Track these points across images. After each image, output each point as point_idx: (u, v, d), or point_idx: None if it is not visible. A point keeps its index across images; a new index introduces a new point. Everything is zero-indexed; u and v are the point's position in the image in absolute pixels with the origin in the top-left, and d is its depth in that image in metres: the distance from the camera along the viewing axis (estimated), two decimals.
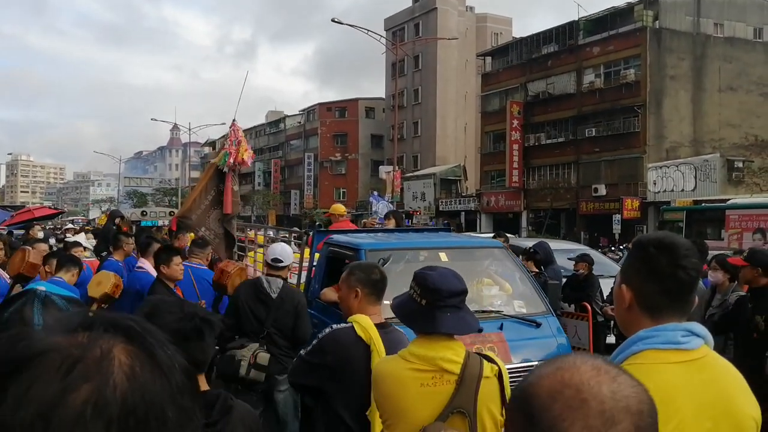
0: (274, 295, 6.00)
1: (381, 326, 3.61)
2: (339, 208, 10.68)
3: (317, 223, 9.79)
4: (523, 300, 6.69)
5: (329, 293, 6.26)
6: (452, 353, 2.93)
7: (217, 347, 6.36)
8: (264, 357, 5.66)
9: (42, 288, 1.52)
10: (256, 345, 5.75)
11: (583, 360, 1.08)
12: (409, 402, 2.84)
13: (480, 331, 5.40)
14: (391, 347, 3.50)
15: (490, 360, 3.04)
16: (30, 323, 1.55)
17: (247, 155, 9.02)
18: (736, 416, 1.93)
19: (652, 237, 2.15)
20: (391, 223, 10.15)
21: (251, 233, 10.43)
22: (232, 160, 8.84)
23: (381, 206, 21.91)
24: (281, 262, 6.30)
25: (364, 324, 3.51)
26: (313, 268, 7.66)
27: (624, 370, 1.10)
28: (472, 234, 13.47)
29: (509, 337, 5.88)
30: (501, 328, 5.94)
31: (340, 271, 6.64)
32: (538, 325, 6.20)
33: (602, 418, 0.99)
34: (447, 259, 6.42)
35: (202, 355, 2.42)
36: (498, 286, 6.74)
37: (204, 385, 2.47)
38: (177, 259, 6.54)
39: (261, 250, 8.72)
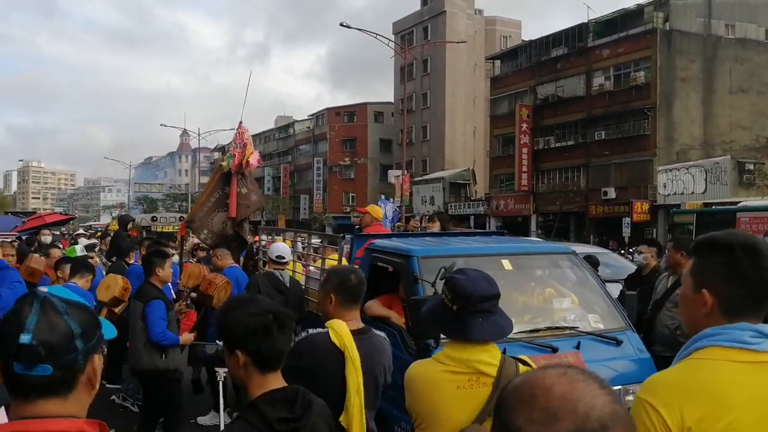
0: (288, 286, 7.25)
1: (359, 332, 3.61)
2: (376, 209, 9.23)
3: (357, 227, 9.09)
4: (599, 314, 5.89)
5: (375, 307, 5.71)
6: (488, 356, 2.90)
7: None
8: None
9: (43, 289, 1.51)
10: None
11: (559, 367, 1.16)
12: (445, 404, 2.80)
13: (555, 351, 5.08)
14: (370, 353, 3.55)
15: (526, 363, 3.00)
16: (22, 324, 1.58)
17: (253, 158, 8.80)
18: None
19: (734, 239, 2.05)
20: (436, 226, 9.09)
21: (279, 239, 9.60)
22: (236, 162, 8.72)
23: (388, 209, 21.96)
24: (284, 258, 7.60)
25: (339, 330, 3.51)
26: None
27: (595, 378, 1.14)
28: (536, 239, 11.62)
29: (588, 358, 5.06)
30: (578, 347, 5.19)
31: (385, 281, 6.13)
32: (619, 343, 5.46)
33: (546, 414, 1.06)
34: (511, 267, 5.76)
35: (273, 351, 2.44)
36: (567, 297, 6.00)
37: (280, 382, 2.49)
38: (170, 262, 6.79)
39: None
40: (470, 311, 2.87)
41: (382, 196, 37.26)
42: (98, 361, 1.70)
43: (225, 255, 8.51)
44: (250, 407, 2.39)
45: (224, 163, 9.02)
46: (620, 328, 5.70)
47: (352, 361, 3.44)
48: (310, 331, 3.63)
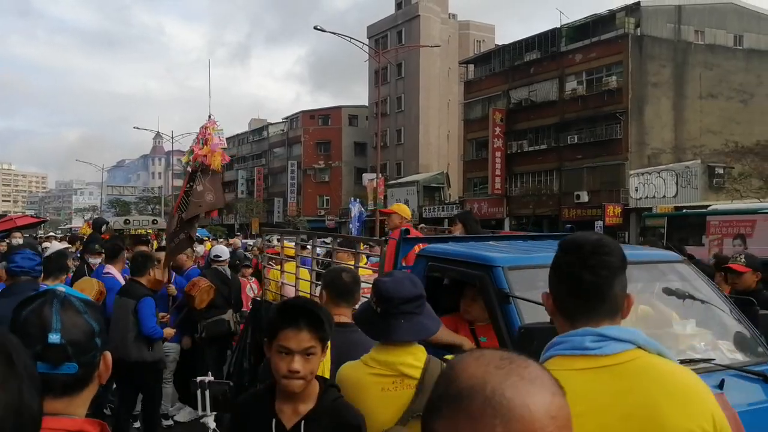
0: (230, 278, 8.82)
1: (342, 325, 3.66)
2: (404, 208, 7.80)
3: (404, 229, 7.47)
4: (731, 340, 4.52)
5: (442, 332, 4.38)
6: (413, 358, 2.95)
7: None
8: (235, 316, 8.57)
9: (61, 289, 1.54)
10: (230, 310, 8.45)
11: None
12: (370, 406, 2.84)
13: None
14: (344, 347, 3.56)
15: None
16: (48, 324, 1.60)
17: (212, 154, 8.27)
18: (662, 427, 1.75)
19: (566, 238, 2.09)
20: (458, 229, 7.41)
21: (290, 244, 8.60)
22: (195, 158, 8.32)
23: (355, 209, 22.08)
24: (220, 257, 8.97)
25: None
26: None
27: (481, 355, 1.12)
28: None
29: (735, 401, 3.49)
30: (721, 386, 3.71)
31: (448, 297, 5.15)
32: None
33: (433, 387, 1.13)
34: None
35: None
36: (690, 319, 4.63)
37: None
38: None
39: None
40: (393, 313, 2.93)
41: (352, 199, 37.16)
42: (108, 357, 1.74)
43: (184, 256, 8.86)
44: (334, 388, 2.81)
45: (184, 159, 8.88)
46: (763, 360, 4.34)
47: None
48: None
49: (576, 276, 1.94)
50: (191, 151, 8.41)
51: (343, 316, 3.80)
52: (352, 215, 21.02)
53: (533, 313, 3.69)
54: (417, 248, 5.66)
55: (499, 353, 1.12)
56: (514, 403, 1.02)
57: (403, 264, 5.66)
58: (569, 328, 1.94)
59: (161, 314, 7.49)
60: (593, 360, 1.83)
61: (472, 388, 1.05)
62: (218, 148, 8.25)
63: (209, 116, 8.72)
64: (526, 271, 4.33)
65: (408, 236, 6.10)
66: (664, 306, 4.75)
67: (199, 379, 2.45)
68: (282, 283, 7.44)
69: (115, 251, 8.31)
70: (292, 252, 8.08)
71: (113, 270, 7.96)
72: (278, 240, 10.30)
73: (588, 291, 1.93)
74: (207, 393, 2.37)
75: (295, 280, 6.99)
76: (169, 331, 7.48)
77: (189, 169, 8.41)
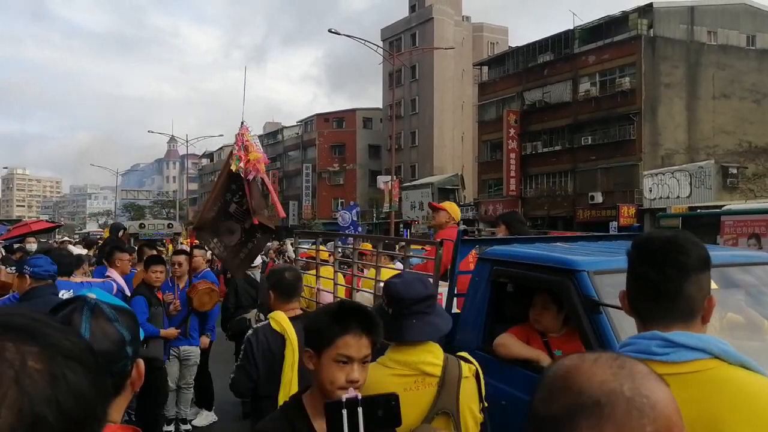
0: (258, 281, 9.27)
1: (298, 317, 4.19)
2: (455, 208, 7.27)
3: (463, 229, 5.95)
4: None
5: (514, 345, 4.15)
6: (432, 356, 2.97)
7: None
8: (259, 314, 7.92)
9: (92, 295, 1.54)
10: (255, 310, 7.98)
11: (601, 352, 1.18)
12: None
13: None
14: None
15: (467, 360, 3.09)
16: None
17: (258, 161, 8.42)
18: None
19: (639, 236, 2.03)
20: (501, 231, 6.96)
21: (323, 247, 7.99)
22: (242, 165, 8.47)
23: (346, 215, 22.16)
24: (252, 263, 8.90)
25: (279, 318, 4.14)
26: (459, 298, 5.08)
27: (615, 359, 1.11)
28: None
29: None
30: None
31: (513, 305, 4.78)
32: None
33: (549, 391, 1.12)
34: (716, 286, 3.34)
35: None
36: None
37: None
38: (155, 267, 7.61)
39: (373, 274, 6.23)
40: (404, 313, 2.95)
41: (351, 203, 37.41)
42: (141, 365, 1.73)
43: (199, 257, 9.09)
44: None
45: (232, 165, 8.81)
46: None
47: (290, 341, 4.00)
48: (255, 326, 4.36)
49: (643, 275, 1.88)
50: (238, 158, 8.54)
51: (297, 309, 4.39)
52: (341, 221, 21.09)
53: (628, 324, 2.92)
54: (475, 251, 5.35)
55: (605, 354, 1.11)
56: (653, 401, 1.03)
57: (462, 269, 5.23)
58: (642, 329, 1.89)
59: (172, 298, 8.02)
60: (659, 366, 1.64)
61: (611, 392, 1.03)
62: (263, 156, 8.53)
63: (242, 123, 8.73)
64: (614, 276, 3.63)
65: (467, 238, 5.60)
66: (757, 313, 4.06)
67: (345, 397, 2.20)
68: (318, 289, 7.06)
69: (110, 254, 8.69)
70: (326, 255, 7.70)
71: (114, 273, 8.23)
72: (291, 244, 10.44)
73: (656, 291, 1.86)
74: (360, 411, 2.14)
75: (333, 286, 6.52)
76: (171, 332, 7.71)
77: (242, 175, 8.55)
